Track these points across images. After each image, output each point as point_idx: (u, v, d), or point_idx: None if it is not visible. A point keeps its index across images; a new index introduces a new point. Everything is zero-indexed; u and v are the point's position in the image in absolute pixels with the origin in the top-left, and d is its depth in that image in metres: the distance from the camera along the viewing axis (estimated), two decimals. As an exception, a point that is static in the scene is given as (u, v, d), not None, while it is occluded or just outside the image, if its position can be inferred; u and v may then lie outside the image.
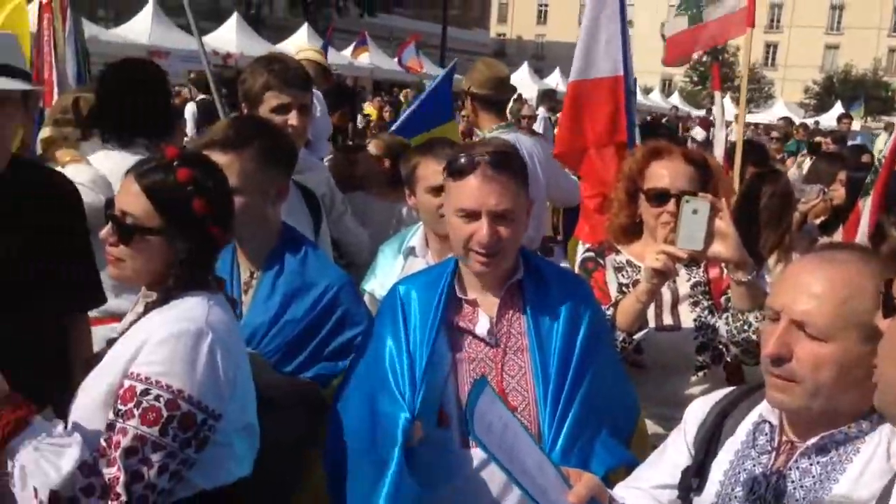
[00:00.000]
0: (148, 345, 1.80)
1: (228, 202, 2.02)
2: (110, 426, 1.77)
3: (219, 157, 2.22)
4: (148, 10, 21.85)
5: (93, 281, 2.56)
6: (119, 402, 1.77)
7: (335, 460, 2.18)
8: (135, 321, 1.92)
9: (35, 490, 1.67)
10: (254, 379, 2.02)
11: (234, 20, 23.88)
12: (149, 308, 1.91)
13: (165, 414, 1.75)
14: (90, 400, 1.85)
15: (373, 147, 4.78)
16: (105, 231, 1.93)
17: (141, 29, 21.02)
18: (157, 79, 3.69)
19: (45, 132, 3.89)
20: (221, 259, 2.14)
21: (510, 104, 6.64)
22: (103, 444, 1.76)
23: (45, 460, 1.68)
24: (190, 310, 1.87)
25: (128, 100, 3.45)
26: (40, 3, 5.93)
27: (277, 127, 2.83)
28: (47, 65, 5.89)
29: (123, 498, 1.70)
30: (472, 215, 2.10)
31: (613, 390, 2.26)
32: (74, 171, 2.98)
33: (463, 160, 2.10)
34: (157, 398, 1.75)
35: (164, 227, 1.89)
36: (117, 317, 2.40)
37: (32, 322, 2.29)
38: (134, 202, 1.89)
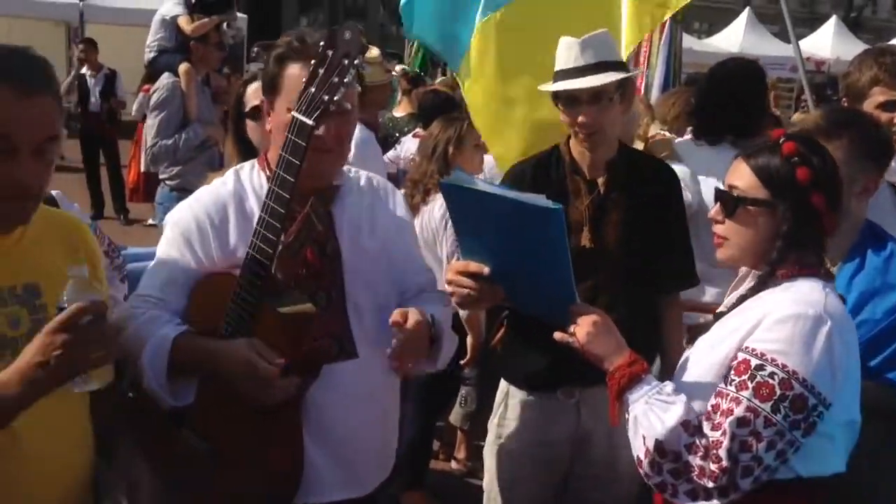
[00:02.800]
0: (765, 322, 1.83)
1: (836, 182, 1.98)
2: (719, 394, 1.84)
3: None
4: (742, 18, 22.10)
5: (689, 265, 2.78)
6: (733, 372, 1.83)
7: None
8: (743, 297, 1.99)
9: (643, 438, 1.86)
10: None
11: (831, 24, 22.77)
12: (758, 287, 1.96)
13: (778, 392, 1.77)
14: (699, 367, 1.95)
15: None
16: (714, 210, 2.05)
17: (733, 38, 21.37)
18: (754, 79, 3.74)
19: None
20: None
21: None
22: (709, 408, 1.84)
23: (653, 413, 1.85)
24: (807, 294, 1.87)
25: (723, 100, 3.62)
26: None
27: (874, 120, 2.69)
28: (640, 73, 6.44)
29: (724, 463, 1.76)
30: None
31: None
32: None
33: None
34: (771, 375, 1.78)
35: (768, 199, 1.93)
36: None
37: (639, 301, 2.61)
38: (740, 177, 1.98)
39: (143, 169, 9.23)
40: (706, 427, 1.82)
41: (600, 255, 2.60)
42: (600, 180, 2.65)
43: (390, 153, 5.63)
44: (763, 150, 1.98)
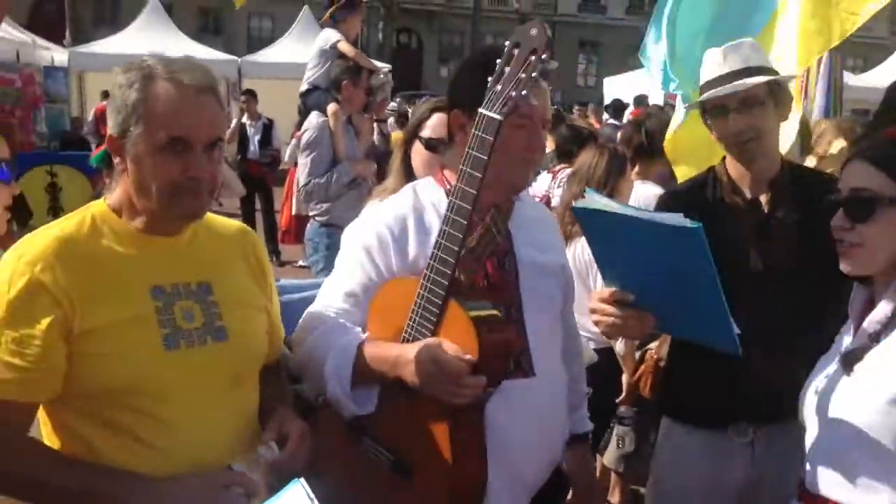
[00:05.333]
0: None
1: None
2: None
3: None
4: (896, 55, 21.05)
5: None
6: None
7: None
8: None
9: None
10: None
11: None
12: None
13: None
14: (873, 401, 1.82)
15: None
16: (838, 218, 1.91)
17: (889, 73, 20.33)
18: None
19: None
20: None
21: None
22: None
23: None
24: None
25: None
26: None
27: None
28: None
29: None
30: None
31: None
32: None
33: None
34: None
35: None
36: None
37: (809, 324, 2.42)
38: (865, 177, 1.85)
39: (294, 212, 9.73)
40: None
41: (767, 276, 2.44)
42: (763, 198, 2.50)
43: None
44: (880, 145, 1.83)
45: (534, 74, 1.83)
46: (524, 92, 1.84)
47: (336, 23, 6.05)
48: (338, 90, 5.40)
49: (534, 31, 1.85)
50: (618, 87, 17.95)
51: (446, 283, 1.90)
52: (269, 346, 2.02)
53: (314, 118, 5.38)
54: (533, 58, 1.84)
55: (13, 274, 1.66)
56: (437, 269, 1.91)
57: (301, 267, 9.36)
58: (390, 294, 2.06)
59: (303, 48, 15.39)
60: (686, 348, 2.52)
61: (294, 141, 9.30)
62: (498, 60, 1.88)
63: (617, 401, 3.94)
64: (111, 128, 1.75)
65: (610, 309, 2.07)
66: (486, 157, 1.86)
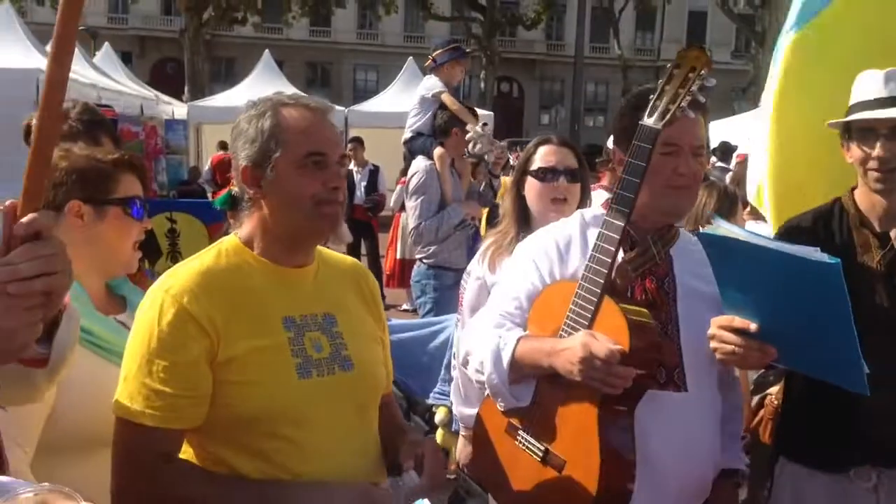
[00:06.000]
0: None
1: None
2: None
3: None
4: None
5: None
6: None
7: None
8: None
9: None
10: None
11: None
12: None
13: None
14: None
15: None
16: None
17: None
18: None
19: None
20: None
21: None
22: None
23: None
24: None
25: None
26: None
27: None
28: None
29: None
30: None
31: None
32: None
33: None
34: None
35: None
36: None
37: None
38: None
39: (398, 256, 9.91)
40: None
41: None
42: (893, 233, 2.40)
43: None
44: None
45: (693, 89, 1.95)
46: (683, 104, 1.96)
47: (438, 67, 6.11)
48: (445, 135, 5.51)
49: (694, 52, 2.00)
50: (723, 130, 17.62)
51: (602, 281, 2.00)
52: (385, 376, 2.08)
53: (421, 162, 5.49)
54: (691, 75, 1.97)
55: (162, 306, 1.75)
56: (593, 268, 2.03)
57: (405, 311, 9.48)
58: (550, 296, 2.18)
59: (407, 98, 15.76)
60: (805, 385, 2.43)
61: (399, 187, 9.49)
62: (652, 97, 2.02)
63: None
64: (244, 159, 1.85)
65: (730, 336, 2.03)
66: (644, 164, 1.99)
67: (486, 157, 5.69)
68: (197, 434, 1.79)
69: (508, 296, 2.28)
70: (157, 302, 1.76)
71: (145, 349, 1.73)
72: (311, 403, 1.79)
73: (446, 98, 5.83)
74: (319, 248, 1.99)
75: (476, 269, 3.11)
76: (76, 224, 2.03)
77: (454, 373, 3.18)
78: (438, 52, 6.13)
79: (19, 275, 1.18)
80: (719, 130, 18.51)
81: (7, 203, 1.27)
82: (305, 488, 1.74)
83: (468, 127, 5.45)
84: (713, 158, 13.56)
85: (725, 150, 13.51)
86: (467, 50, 6.59)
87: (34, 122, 2.72)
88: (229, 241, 1.91)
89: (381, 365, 2.05)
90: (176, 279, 1.80)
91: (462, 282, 3.27)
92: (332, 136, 1.88)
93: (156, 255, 3.74)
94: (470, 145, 5.45)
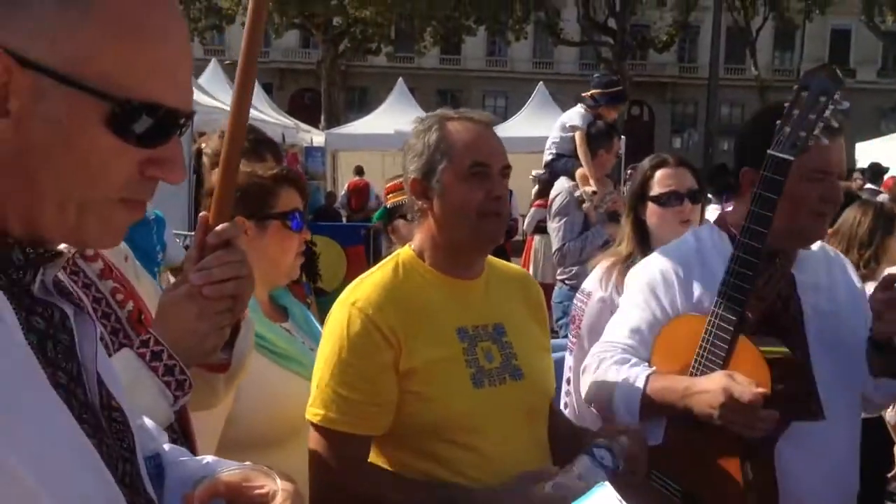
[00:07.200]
0: None
1: None
2: None
3: None
4: None
5: None
6: None
7: None
8: None
9: None
10: None
11: None
12: None
13: None
14: None
15: None
16: None
17: None
18: None
19: None
20: None
21: None
22: None
23: None
24: None
25: None
26: None
27: None
28: None
29: None
30: None
31: None
32: None
33: None
34: None
35: None
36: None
37: None
38: None
39: (532, 279, 9.87)
40: None
41: None
42: None
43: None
44: None
45: (825, 115, 1.85)
46: (815, 131, 1.86)
47: (596, 105, 6.07)
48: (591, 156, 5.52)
49: (823, 75, 1.88)
50: (870, 151, 16.76)
51: (736, 318, 1.93)
52: (553, 384, 2.11)
53: (563, 183, 5.51)
54: (822, 99, 1.85)
55: (349, 317, 1.84)
56: (726, 305, 1.95)
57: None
58: (677, 331, 2.11)
59: (536, 123, 15.81)
60: None
61: (533, 209, 9.50)
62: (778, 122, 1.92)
63: (889, 475, 3.62)
64: (413, 172, 1.93)
65: None
66: (776, 197, 1.90)
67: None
68: (380, 440, 1.86)
69: (628, 327, 2.22)
70: (345, 314, 1.85)
71: (336, 359, 1.82)
72: (484, 412, 1.84)
73: (578, 137, 5.80)
74: (489, 256, 2.04)
75: (597, 290, 3.01)
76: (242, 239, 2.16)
77: (565, 399, 3.08)
78: (599, 91, 6.06)
79: (213, 278, 1.32)
80: (865, 151, 17.62)
81: (201, 215, 1.41)
82: (485, 494, 1.77)
83: (584, 195, 5.34)
84: (860, 180, 12.92)
85: (876, 172, 12.85)
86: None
87: (205, 147, 2.92)
88: (404, 253, 1.99)
89: (549, 373, 2.08)
90: (360, 292, 1.88)
91: (576, 301, 3.19)
92: (495, 146, 1.92)
93: (316, 273, 3.92)
94: (584, 205, 5.36)
